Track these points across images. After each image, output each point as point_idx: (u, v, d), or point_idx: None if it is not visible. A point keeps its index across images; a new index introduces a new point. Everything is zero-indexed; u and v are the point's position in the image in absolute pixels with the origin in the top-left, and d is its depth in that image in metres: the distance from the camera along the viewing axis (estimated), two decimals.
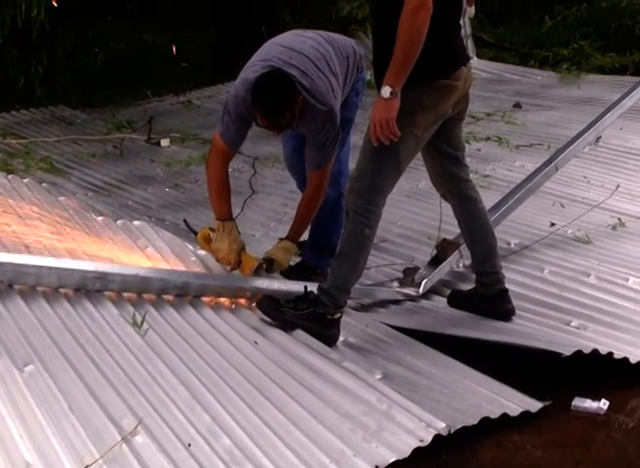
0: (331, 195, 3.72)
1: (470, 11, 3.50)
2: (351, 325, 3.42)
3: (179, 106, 8.20)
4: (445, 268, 3.89)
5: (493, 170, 5.59)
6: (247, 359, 2.99)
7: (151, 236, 3.98)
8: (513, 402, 2.83)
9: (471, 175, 3.63)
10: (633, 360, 3.10)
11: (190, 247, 3.89)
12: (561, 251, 4.20)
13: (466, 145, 3.76)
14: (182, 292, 3.40)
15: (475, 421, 2.69)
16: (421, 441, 2.54)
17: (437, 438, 2.56)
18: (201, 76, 9.25)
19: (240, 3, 9.02)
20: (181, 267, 3.67)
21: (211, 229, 3.63)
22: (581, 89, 8.16)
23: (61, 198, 4.71)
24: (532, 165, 5.12)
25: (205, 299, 3.43)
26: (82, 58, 9.41)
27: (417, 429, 2.60)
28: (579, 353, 3.03)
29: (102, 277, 3.25)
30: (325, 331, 3.25)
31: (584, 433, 2.80)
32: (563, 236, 4.37)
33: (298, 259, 3.94)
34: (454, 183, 3.49)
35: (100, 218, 4.23)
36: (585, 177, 5.31)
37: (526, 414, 2.79)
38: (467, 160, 3.57)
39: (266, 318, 3.33)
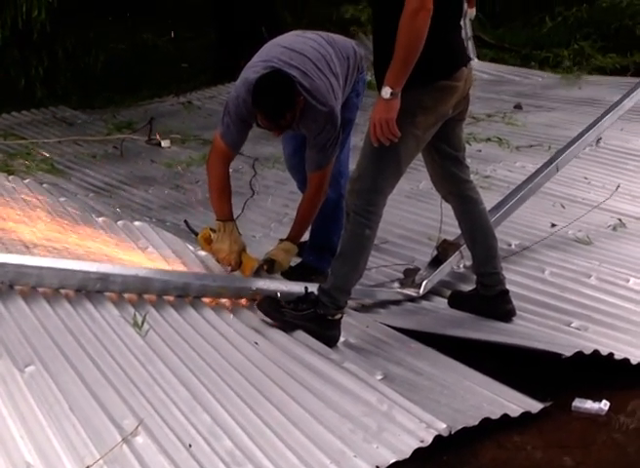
0: (331, 196, 3.72)
1: (471, 12, 3.51)
2: (352, 325, 3.42)
3: (179, 107, 8.20)
4: (445, 269, 3.89)
5: (493, 170, 5.59)
6: (247, 359, 2.99)
7: (152, 237, 3.98)
8: (514, 402, 2.84)
9: (472, 175, 3.63)
10: (634, 361, 3.10)
11: (191, 247, 3.89)
12: (562, 251, 4.20)
13: (467, 146, 3.76)
14: (183, 293, 3.40)
15: (476, 422, 2.69)
16: (422, 441, 2.54)
17: (438, 438, 2.56)
18: (201, 77, 9.26)
19: (240, 3, 9.02)
20: (182, 268, 3.67)
21: (211, 230, 3.63)
22: (582, 90, 8.15)
23: (62, 199, 4.71)
24: (532, 166, 5.12)
25: (205, 300, 3.43)
26: (83, 59, 9.40)
27: (417, 430, 2.60)
28: (579, 354, 3.03)
29: (103, 278, 3.24)
30: (325, 332, 3.25)
31: (585, 434, 2.80)
32: (563, 237, 4.37)
33: (298, 260, 3.94)
34: (454, 184, 3.49)
35: (100, 219, 4.23)
36: (586, 178, 5.31)
37: (526, 415, 2.79)
38: (468, 161, 3.57)
39: (267, 319, 3.33)
